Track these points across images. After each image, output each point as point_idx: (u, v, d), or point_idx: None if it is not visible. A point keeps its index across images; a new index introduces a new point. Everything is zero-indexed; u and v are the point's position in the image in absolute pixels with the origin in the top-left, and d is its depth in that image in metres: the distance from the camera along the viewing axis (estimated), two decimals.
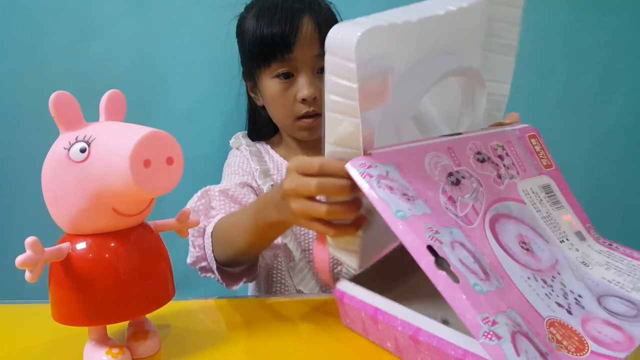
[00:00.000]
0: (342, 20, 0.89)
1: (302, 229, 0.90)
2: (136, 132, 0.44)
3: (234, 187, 0.85)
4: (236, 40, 0.91)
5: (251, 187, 0.89)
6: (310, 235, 0.90)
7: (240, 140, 0.97)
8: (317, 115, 0.86)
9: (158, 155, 0.45)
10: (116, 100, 0.57)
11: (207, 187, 0.83)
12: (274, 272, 0.93)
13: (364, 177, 0.44)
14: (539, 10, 1.00)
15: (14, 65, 1.03)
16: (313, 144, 0.93)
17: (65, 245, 0.48)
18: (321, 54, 0.81)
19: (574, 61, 1.02)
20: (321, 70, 0.83)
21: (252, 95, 0.95)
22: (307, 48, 0.82)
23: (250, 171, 0.92)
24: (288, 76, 0.84)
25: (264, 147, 0.97)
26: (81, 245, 0.48)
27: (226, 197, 0.83)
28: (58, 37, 1.03)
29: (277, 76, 0.84)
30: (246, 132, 1.00)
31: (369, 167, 0.45)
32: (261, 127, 0.98)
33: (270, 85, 0.86)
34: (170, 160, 0.46)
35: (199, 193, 0.81)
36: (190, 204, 0.82)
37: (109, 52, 1.03)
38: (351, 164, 0.46)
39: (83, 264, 0.47)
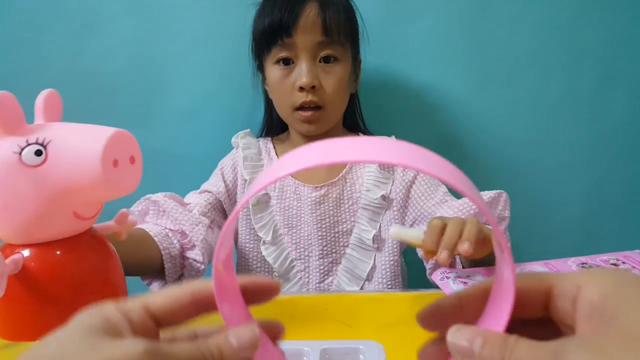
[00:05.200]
0: (359, 12, 1.01)
1: (299, 236, 1.00)
2: (101, 132, 0.51)
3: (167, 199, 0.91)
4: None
5: (219, 202, 1.00)
6: (307, 243, 1.00)
7: (238, 141, 1.07)
8: (317, 108, 0.96)
9: (123, 155, 0.53)
10: (53, 100, 0.63)
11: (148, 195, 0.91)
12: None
13: (442, 280, 0.57)
14: (539, 7, 1.14)
15: (14, 63, 1.14)
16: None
17: (18, 256, 0.55)
18: (324, 42, 0.94)
19: (575, 59, 1.16)
20: (324, 60, 0.95)
21: (266, 88, 1.06)
22: (307, 34, 0.93)
23: (234, 181, 1.04)
24: (288, 62, 0.96)
25: (267, 147, 1.08)
26: (33, 255, 0.55)
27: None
28: (58, 36, 1.14)
29: (278, 62, 0.96)
30: (249, 130, 1.10)
31: (449, 272, 0.57)
32: (274, 122, 1.11)
33: (271, 71, 0.98)
34: (132, 160, 0.54)
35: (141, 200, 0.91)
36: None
37: (109, 50, 1.15)
38: (433, 274, 0.59)
39: (36, 274, 0.54)
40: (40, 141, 0.54)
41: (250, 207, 1.00)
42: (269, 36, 0.95)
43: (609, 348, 0.24)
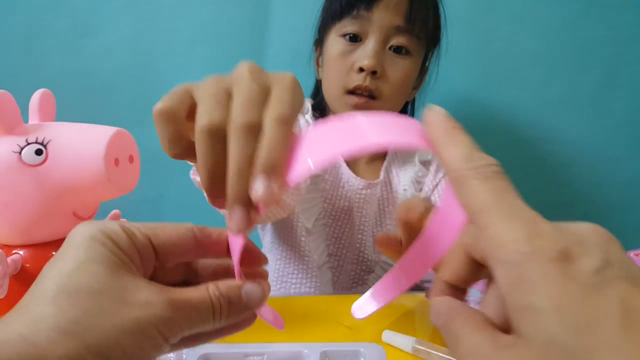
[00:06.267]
0: (446, 22, 0.95)
1: (341, 231, 0.95)
2: (102, 131, 0.52)
3: None
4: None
5: None
6: (347, 242, 0.96)
7: (307, 106, 0.98)
8: (371, 97, 0.87)
9: (124, 154, 0.54)
10: (47, 100, 0.64)
11: None
12: (290, 274, 0.98)
13: None
14: (543, 5, 1.15)
15: (11, 62, 1.16)
16: None
17: (17, 257, 0.56)
18: (401, 28, 0.86)
19: (579, 57, 1.16)
20: (396, 50, 0.87)
21: (317, 67, 0.99)
22: (387, 12, 0.85)
23: None
24: (355, 39, 0.87)
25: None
26: (30, 255, 0.56)
27: None
28: (56, 34, 1.15)
29: (344, 35, 0.88)
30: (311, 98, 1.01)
31: None
32: (319, 107, 1.01)
33: (333, 43, 0.89)
34: (131, 159, 0.56)
35: None
36: None
37: (107, 49, 1.16)
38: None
39: (34, 275, 0.56)
40: (40, 140, 0.55)
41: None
42: (346, 4, 0.87)
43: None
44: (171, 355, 0.51)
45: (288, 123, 0.29)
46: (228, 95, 0.31)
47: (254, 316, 0.33)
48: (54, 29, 1.15)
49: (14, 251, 0.57)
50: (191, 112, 0.32)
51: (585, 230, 0.24)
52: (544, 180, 1.25)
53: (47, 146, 0.54)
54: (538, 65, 1.18)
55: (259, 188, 0.28)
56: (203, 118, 0.30)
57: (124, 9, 1.15)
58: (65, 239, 0.29)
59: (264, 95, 0.31)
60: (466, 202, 0.25)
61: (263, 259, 0.34)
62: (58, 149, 0.54)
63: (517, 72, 1.20)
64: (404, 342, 0.58)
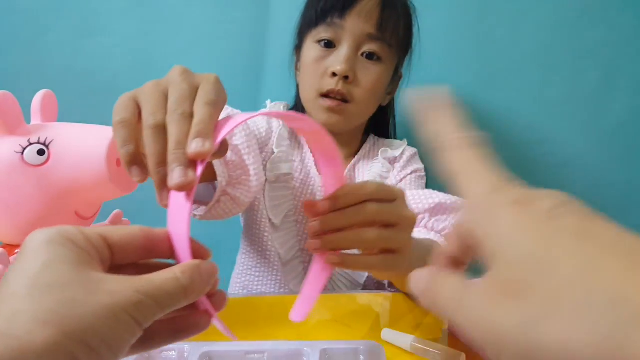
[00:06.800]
0: (417, 18, 0.99)
1: (303, 232, 0.97)
2: (104, 132, 0.53)
3: None
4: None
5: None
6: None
7: (279, 108, 1.03)
8: (343, 101, 0.92)
9: None
10: (49, 100, 0.67)
11: None
12: (260, 267, 1.02)
13: None
14: (542, 6, 1.15)
15: (14, 62, 1.17)
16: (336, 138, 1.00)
17: None
18: (373, 36, 0.90)
19: (578, 58, 1.16)
20: (368, 56, 0.91)
21: (296, 72, 1.03)
22: (359, 21, 0.89)
23: (267, 146, 0.96)
24: (330, 45, 0.92)
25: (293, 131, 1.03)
26: None
27: None
28: (58, 34, 1.16)
29: (319, 42, 0.92)
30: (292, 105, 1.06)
31: None
32: (299, 111, 1.02)
33: (309, 50, 0.94)
34: None
35: None
36: None
37: (109, 50, 1.17)
38: None
39: None
40: (42, 141, 0.56)
41: (268, 184, 0.96)
42: (321, 12, 0.92)
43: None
44: (173, 353, 0.51)
45: (213, 105, 0.39)
46: (165, 97, 0.41)
47: (208, 321, 0.36)
48: (56, 30, 1.16)
49: (16, 250, 0.58)
50: (139, 116, 0.41)
51: (543, 191, 0.30)
52: (542, 180, 1.24)
53: (49, 146, 0.55)
54: (536, 66, 1.18)
55: (193, 145, 0.36)
56: (149, 118, 0.39)
57: (126, 9, 1.16)
58: (21, 246, 0.31)
59: (193, 91, 0.41)
60: (447, 167, 0.33)
61: (206, 253, 0.37)
62: (60, 149, 0.55)
63: (515, 72, 1.20)
64: (403, 340, 0.59)
